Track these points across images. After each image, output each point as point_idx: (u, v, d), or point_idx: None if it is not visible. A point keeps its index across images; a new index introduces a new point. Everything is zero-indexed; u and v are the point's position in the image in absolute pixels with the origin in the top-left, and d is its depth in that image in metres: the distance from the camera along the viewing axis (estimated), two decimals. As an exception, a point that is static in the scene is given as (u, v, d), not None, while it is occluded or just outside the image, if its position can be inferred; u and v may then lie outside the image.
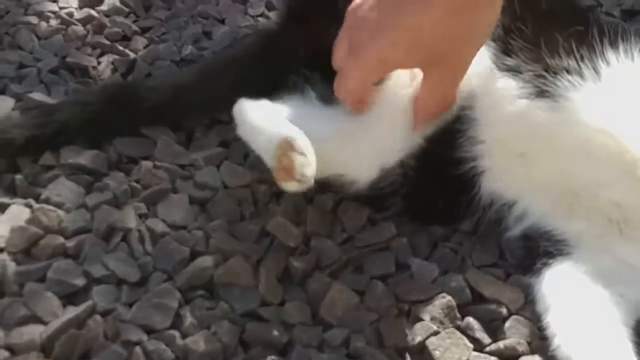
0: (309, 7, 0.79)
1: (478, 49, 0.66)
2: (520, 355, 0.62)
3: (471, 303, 0.66)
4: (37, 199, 0.73)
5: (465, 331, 0.63)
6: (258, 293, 0.65)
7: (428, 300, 0.65)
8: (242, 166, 0.77)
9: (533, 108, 0.68)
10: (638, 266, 0.65)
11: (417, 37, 0.62)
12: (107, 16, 0.99)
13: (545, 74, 0.68)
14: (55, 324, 0.61)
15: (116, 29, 0.97)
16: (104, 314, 0.63)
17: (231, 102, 0.75)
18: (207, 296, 0.65)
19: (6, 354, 0.59)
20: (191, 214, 0.72)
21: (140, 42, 0.95)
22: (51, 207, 0.71)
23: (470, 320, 0.64)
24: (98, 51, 0.93)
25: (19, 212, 0.71)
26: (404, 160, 0.71)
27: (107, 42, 0.94)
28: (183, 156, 0.79)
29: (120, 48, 0.93)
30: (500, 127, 0.69)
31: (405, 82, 0.70)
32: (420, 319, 0.63)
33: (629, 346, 0.60)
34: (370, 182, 0.71)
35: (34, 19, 0.97)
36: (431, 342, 0.61)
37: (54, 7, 1.00)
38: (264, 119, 0.70)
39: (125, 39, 0.96)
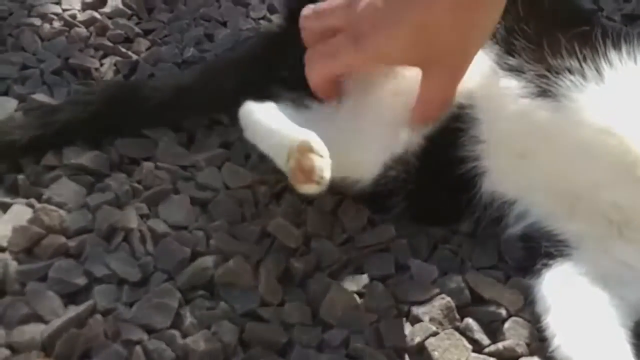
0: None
1: (478, 49, 0.66)
2: (519, 357, 0.62)
3: (470, 304, 0.66)
4: (39, 199, 0.73)
5: (464, 332, 0.63)
6: (258, 293, 0.65)
7: (427, 301, 0.65)
8: (243, 167, 0.77)
9: (535, 107, 0.68)
10: (638, 268, 0.65)
11: (417, 34, 0.62)
12: (109, 18, 0.99)
13: (547, 73, 0.68)
14: (56, 322, 0.61)
15: (119, 31, 0.97)
16: (105, 313, 0.63)
17: (233, 104, 0.75)
18: (208, 296, 0.65)
19: (7, 352, 0.59)
20: (192, 215, 0.73)
21: (142, 44, 0.96)
22: (53, 207, 0.71)
23: (469, 321, 0.64)
24: (101, 53, 0.93)
25: (21, 212, 0.71)
26: (405, 159, 0.71)
27: (109, 44, 0.95)
28: (184, 157, 0.79)
29: (123, 50, 0.94)
30: (501, 126, 0.69)
31: (405, 81, 0.71)
32: (420, 320, 0.63)
33: (627, 348, 0.60)
34: (372, 182, 0.71)
35: (37, 21, 0.97)
36: (430, 343, 0.61)
37: (57, 9, 1.00)
38: (274, 122, 0.70)
39: (128, 40, 0.97)
